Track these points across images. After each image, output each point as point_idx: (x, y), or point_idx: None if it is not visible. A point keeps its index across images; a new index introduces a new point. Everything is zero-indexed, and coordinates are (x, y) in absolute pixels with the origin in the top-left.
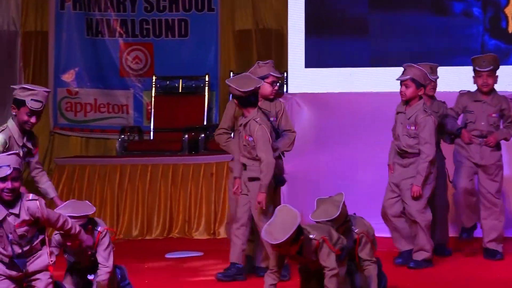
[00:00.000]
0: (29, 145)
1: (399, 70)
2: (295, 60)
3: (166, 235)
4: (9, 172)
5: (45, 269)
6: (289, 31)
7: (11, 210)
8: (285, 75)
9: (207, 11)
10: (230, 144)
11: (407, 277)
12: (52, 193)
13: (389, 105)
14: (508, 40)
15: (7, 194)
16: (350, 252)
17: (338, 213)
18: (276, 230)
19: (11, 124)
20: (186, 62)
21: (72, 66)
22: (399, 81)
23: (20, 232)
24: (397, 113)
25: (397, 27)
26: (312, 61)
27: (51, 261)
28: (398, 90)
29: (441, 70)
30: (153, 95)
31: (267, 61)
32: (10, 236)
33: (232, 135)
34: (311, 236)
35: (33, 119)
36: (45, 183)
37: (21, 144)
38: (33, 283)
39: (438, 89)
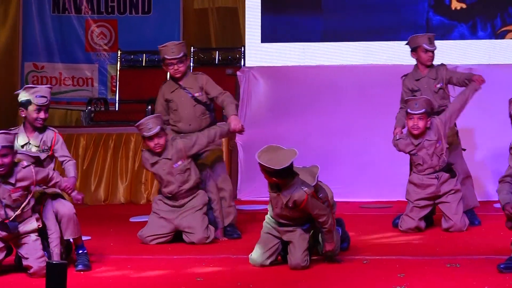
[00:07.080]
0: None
1: (349, 45)
2: (252, 35)
3: (130, 200)
4: None
5: (34, 230)
6: (246, 8)
7: (8, 180)
8: (242, 49)
9: None
10: None
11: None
12: (71, 173)
13: (340, 77)
14: (451, 16)
15: None
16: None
17: (315, 183)
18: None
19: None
20: (149, 38)
21: (38, 41)
22: (349, 55)
23: (15, 196)
24: None
25: (348, 4)
26: (267, 36)
27: (39, 225)
28: (348, 64)
29: (389, 45)
30: (118, 68)
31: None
32: (4, 201)
33: None
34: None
35: (41, 114)
36: (68, 168)
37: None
38: (23, 240)
39: (386, 63)
